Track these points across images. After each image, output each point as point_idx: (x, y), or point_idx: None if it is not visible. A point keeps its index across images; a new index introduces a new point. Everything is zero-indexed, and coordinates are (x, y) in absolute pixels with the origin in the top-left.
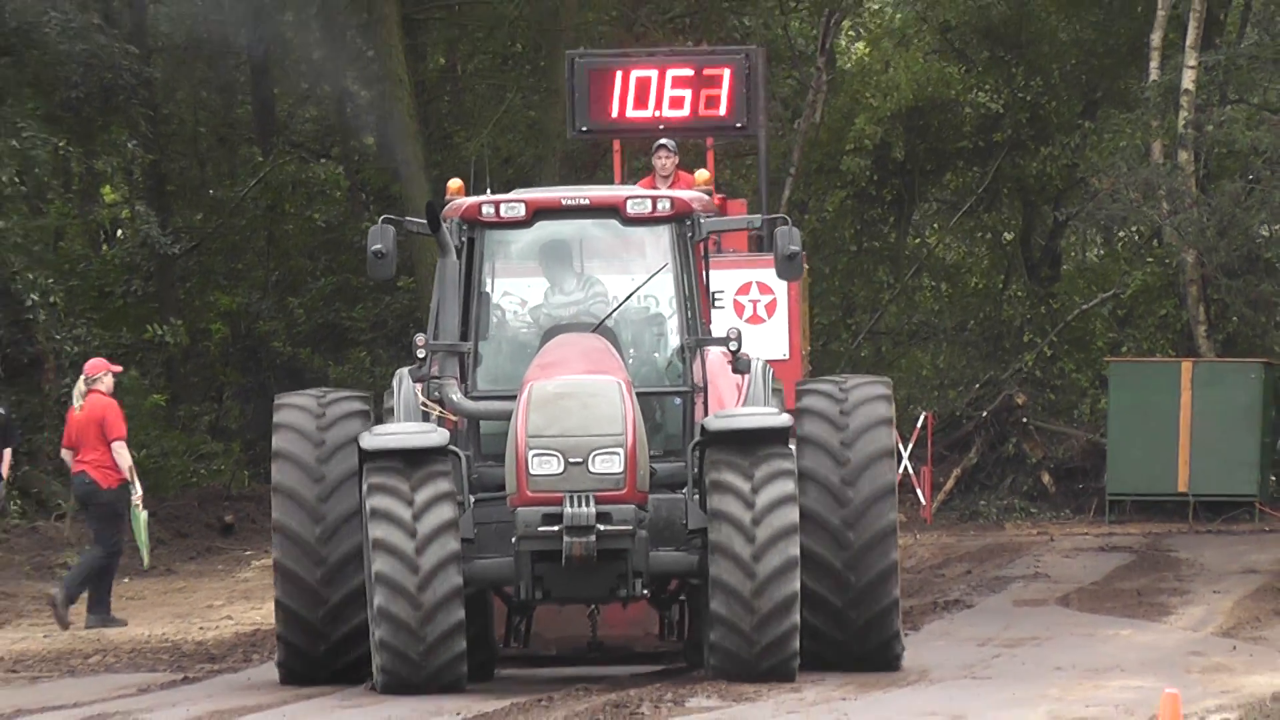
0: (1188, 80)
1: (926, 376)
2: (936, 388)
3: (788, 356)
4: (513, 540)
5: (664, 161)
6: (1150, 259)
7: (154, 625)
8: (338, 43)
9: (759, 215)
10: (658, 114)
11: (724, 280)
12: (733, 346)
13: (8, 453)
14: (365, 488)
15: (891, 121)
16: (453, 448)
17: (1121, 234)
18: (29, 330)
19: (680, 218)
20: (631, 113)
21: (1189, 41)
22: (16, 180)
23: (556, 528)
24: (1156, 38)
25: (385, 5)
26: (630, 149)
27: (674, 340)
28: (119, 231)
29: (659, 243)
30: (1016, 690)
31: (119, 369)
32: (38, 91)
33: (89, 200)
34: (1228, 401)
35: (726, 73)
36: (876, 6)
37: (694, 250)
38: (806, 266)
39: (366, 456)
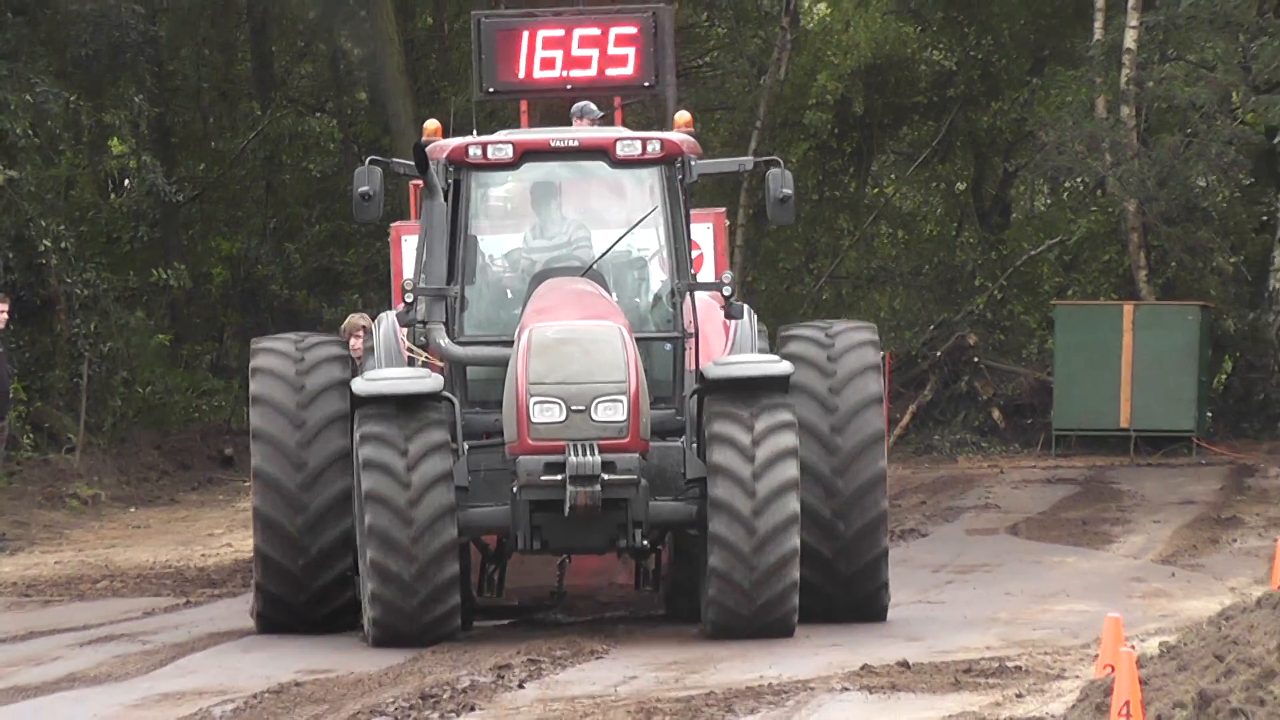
0: (1129, 39)
1: (884, 318)
2: (893, 329)
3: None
4: (513, 489)
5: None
6: (1094, 208)
7: (158, 552)
8: (332, 3)
9: (749, 158)
10: (565, 74)
11: (647, 238)
12: (726, 291)
13: None
14: (357, 437)
15: (851, 78)
16: (446, 394)
17: (1067, 184)
18: (42, 274)
19: (670, 160)
20: (539, 73)
21: (1130, 3)
22: (29, 132)
23: (560, 477)
24: (1099, 0)
25: None
26: (537, 109)
27: (656, 285)
28: (126, 181)
29: (648, 185)
30: (968, 613)
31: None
32: (49, 49)
33: (98, 151)
34: (1167, 342)
35: (634, 31)
36: None
37: (683, 193)
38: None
39: (359, 402)
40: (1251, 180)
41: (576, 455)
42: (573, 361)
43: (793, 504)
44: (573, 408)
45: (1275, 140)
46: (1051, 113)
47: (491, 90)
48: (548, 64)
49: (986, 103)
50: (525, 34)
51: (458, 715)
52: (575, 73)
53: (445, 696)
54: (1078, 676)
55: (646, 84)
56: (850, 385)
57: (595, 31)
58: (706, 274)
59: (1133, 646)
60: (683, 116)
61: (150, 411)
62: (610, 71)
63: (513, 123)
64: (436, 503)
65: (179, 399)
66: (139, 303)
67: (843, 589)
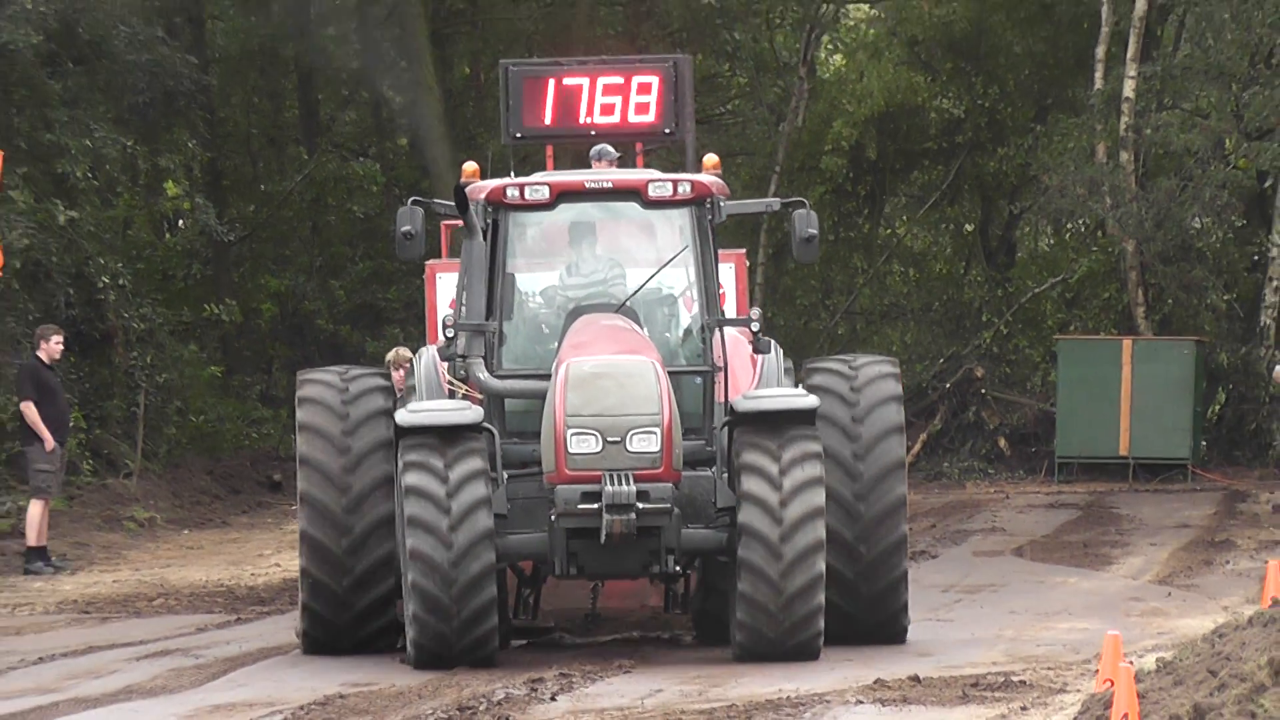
0: (1128, 89)
1: (896, 352)
2: (905, 362)
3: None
4: (551, 517)
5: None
6: (1095, 248)
7: (210, 572)
8: (374, 54)
9: (776, 199)
10: (589, 120)
11: (676, 276)
12: (754, 327)
13: (29, 408)
14: (400, 464)
15: (865, 125)
16: (486, 425)
17: (1069, 225)
18: (100, 309)
19: (700, 201)
20: (564, 120)
21: (1129, 54)
22: (89, 175)
23: (596, 505)
24: (1100, 51)
25: (416, 21)
26: (568, 154)
27: (685, 320)
28: (180, 221)
29: (679, 225)
30: (976, 630)
31: None
32: (107, 97)
33: (153, 193)
34: (1163, 375)
35: (655, 80)
36: (852, 23)
37: (712, 233)
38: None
39: (403, 432)
40: (1243, 222)
41: (612, 485)
42: (608, 395)
43: (818, 531)
44: (609, 439)
45: (1266, 184)
46: (1054, 158)
47: (519, 135)
48: (572, 111)
49: (993, 148)
50: (551, 82)
51: None
52: (599, 119)
53: (481, 708)
54: (1079, 690)
55: (667, 130)
56: (872, 415)
57: (618, 80)
58: (729, 312)
59: (1131, 662)
60: (711, 159)
61: (203, 439)
62: (633, 118)
63: (543, 167)
64: (476, 528)
65: (230, 427)
66: (192, 336)
67: (864, 610)
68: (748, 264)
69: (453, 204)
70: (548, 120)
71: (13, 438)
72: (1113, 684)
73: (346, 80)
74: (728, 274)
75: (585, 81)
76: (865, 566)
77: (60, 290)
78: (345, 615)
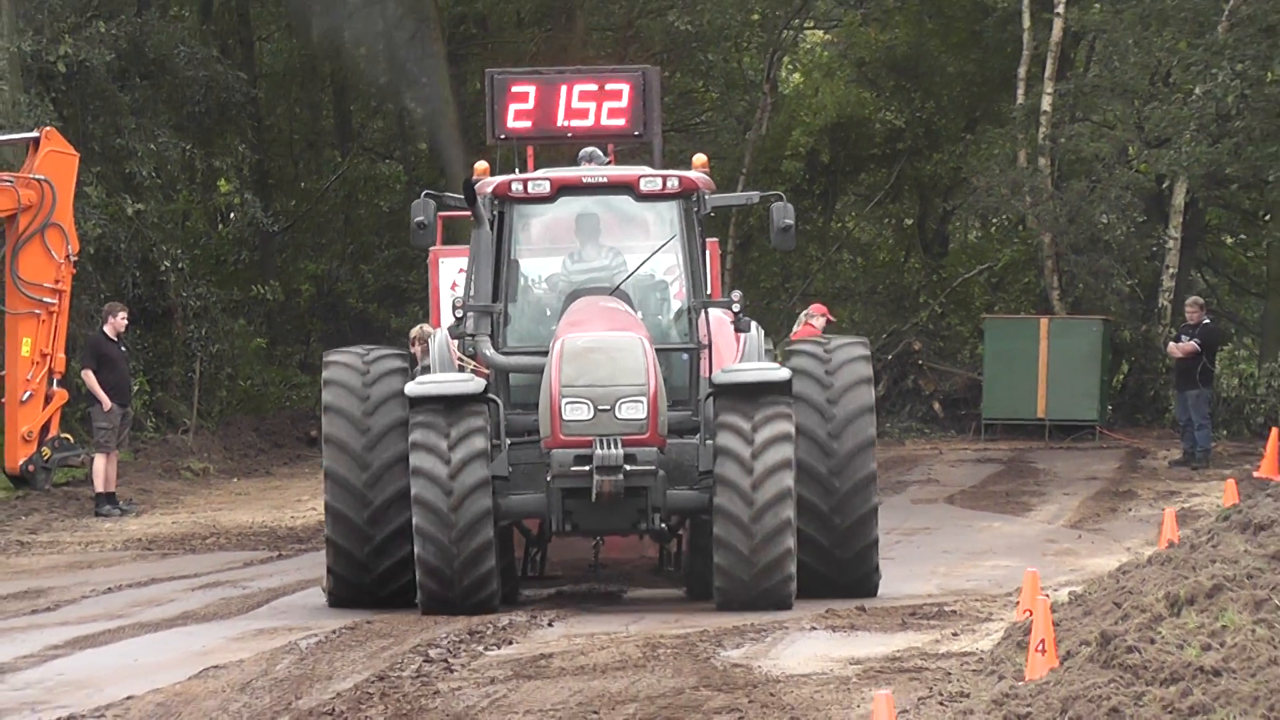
0: (1045, 103)
1: (845, 328)
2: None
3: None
4: (547, 478)
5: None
6: (1016, 240)
7: (256, 514)
8: (399, 72)
9: (756, 193)
10: (567, 124)
11: (668, 263)
12: (735, 308)
13: (90, 375)
14: (410, 427)
15: (819, 134)
16: (492, 396)
17: (994, 220)
18: (162, 289)
19: (687, 194)
20: (542, 123)
21: (1047, 74)
22: (153, 174)
23: (587, 467)
24: (1022, 71)
25: (435, 44)
26: (543, 154)
27: (676, 303)
28: (231, 214)
29: (668, 216)
30: (913, 568)
31: None
32: (169, 107)
33: (208, 190)
34: (1075, 349)
35: (626, 88)
36: (809, 46)
37: (698, 223)
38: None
39: (413, 402)
40: (1144, 218)
41: (602, 448)
42: (600, 367)
43: (786, 480)
44: (599, 407)
45: (1163, 185)
46: (982, 163)
47: (503, 136)
48: (550, 115)
49: (929, 154)
50: (531, 88)
51: (498, 647)
52: (575, 123)
53: (489, 633)
54: (1002, 619)
55: (636, 133)
56: (845, 397)
57: (593, 87)
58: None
59: (1047, 595)
60: (700, 159)
61: (249, 400)
62: (605, 122)
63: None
64: (473, 475)
65: (273, 390)
66: (241, 313)
67: (839, 573)
68: (719, 252)
69: (462, 197)
70: (529, 123)
71: (82, 400)
72: (1031, 614)
73: (375, 93)
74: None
75: (563, 88)
76: (840, 535)
77: (128, 273)
78: (366, 578)
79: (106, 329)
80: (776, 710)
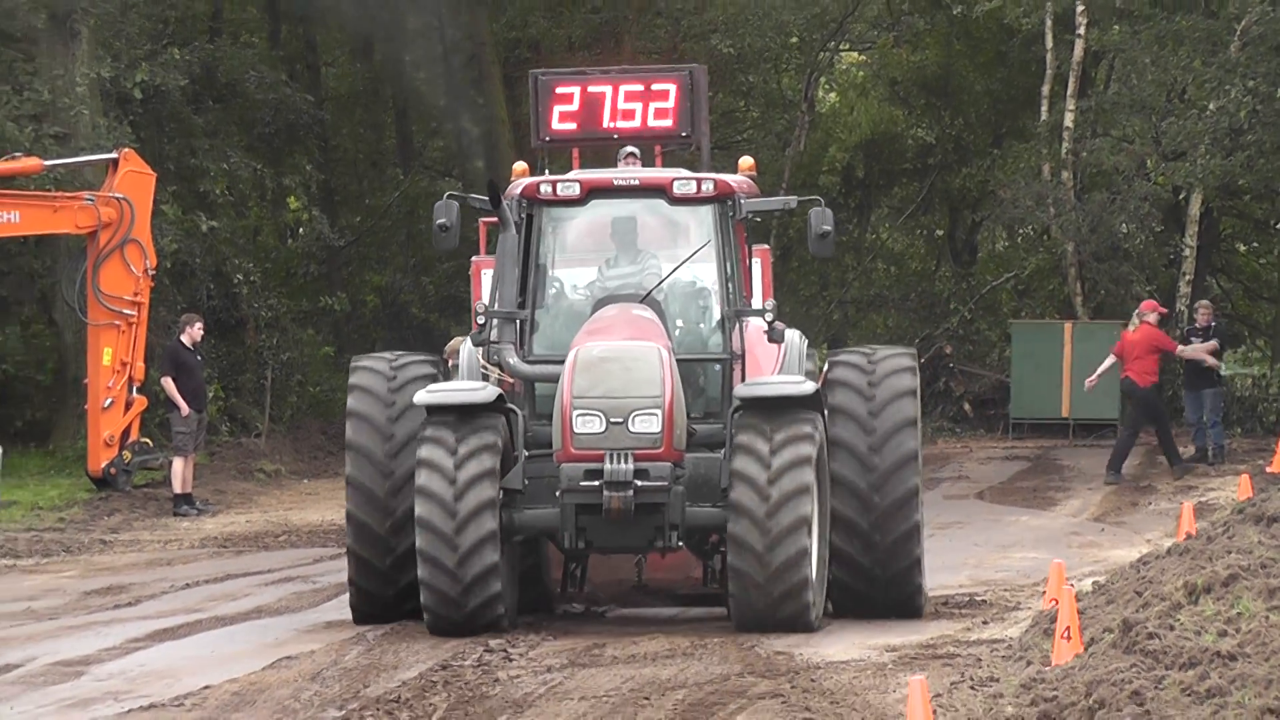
0: (1068, 120)
1: (879, 334)
2: (887, 342)
3: (805, 337)
4: (557, 493)
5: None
6: (1041, 249)
7: (325, 513)
8: (457, 93)
9: (794, 197)
10: (612, 125)
11: (708, 269)
12: (768, 318)
13: (168, 382)
14: (418, 440)
15: (854, 150)
16: (511, 406)
17: (1020, 230)
18: (235, 301)
19: (722, 198)
20: (588, 125)
21: (1069, 92)
22: (226, 192)
23: (597, 483)
24: (1045, 89)
25: (490, 66)
26: (588, 154)
27: (717, 311)
28: (300, 229)
29: (703, 221)
30: (946, 559)
31: (1164, 311)
32: (240, 128)
33: (278, 207)
34: (1097, 352)
35: (672, 88)
36: (844, 67)
37: (735, 228)
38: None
39: (428, 411)
40: (1162, 228)
41: (612, 463)
42: (613, 378)
43: (804, 507)
44: (612, 420)
45: (1180, 196)
46: (1008, 176)
47: (548, 139)
48: (596, 116)
49: (958, 168)
50: (577, 89)
51: (555, 638)
52: (621, 124)
53: (546, 624)
54: (1030, 608)
55: (684, 134)
56: (887, 409)
57: (639, 88)
58: (757, 302)
59: (1072, 585)
60: (746, 161)
61: (318, 406)
62: (652, 123)
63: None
64: (478, 497)
65: (340, 396)
66: (310, 322)
67: (880, 594)
68: (772, 259)
69: (486, 199)
70: (575, 125)
71: (161, 406)
72: (1057, 603)
73: (434, 115)
74: (755, 268)
75: (608, 89)
76: (881, 554)
77: (203, 285)
78: (389, 590)
79: (183, 339)
80: (817, 695)
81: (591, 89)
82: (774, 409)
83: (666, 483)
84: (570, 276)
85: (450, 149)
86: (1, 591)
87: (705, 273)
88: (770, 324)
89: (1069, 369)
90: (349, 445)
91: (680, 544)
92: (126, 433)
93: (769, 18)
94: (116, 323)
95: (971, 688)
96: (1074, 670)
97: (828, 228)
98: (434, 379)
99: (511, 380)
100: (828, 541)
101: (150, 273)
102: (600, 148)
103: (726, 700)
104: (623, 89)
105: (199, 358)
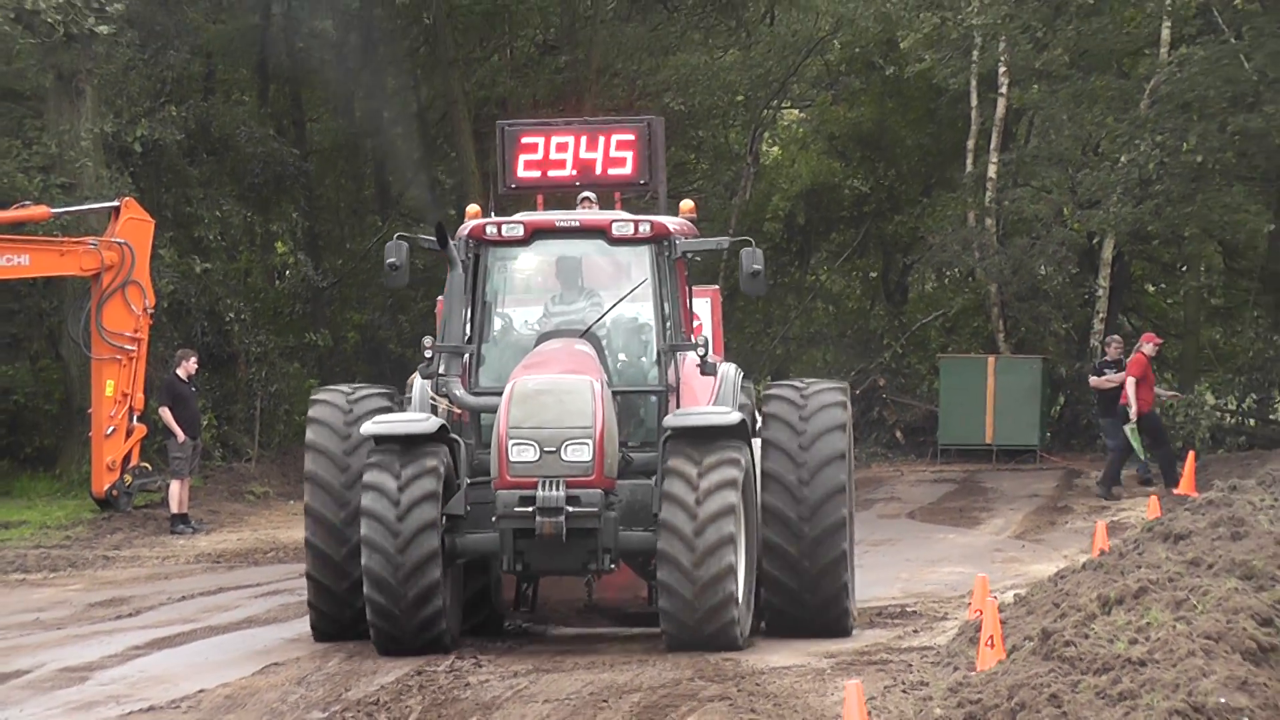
0: (991, 171)
1: (819, 367)
2: (825, 375)
3: (741, 370)
4: (493, 519)
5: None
6: (967, 289)
7: None
8: (430, 148)
9: (726, 238)
10: (574, 173)
11: (641, 306)
12: (700, 352)
13: (166, 412)
14: (365, 467)
15: (796, 199)
16: (454, 436)
17: (948, 273)
18: (228, 337)
19: (659, 239)
20: (552, 172)
21: (992, 146)
22: (218, 237)
23: (531, 508)
24: (970, 143)
25: (461, 122)
26: (551, 201)
27: (655, 345)
28: (286, 271)
29: (640, 260)
30: (879, 574)
31: (1159, 341)
32: (232, 178)
33: (267, 251)
34: (1018, 383)
35: (632, 137)
36: (786, 123)
37: (672, 267)
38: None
39: (373, 441)
40: (1077, 270)
41: (544, 490)
42: (547, 409)
43: (729, 526)
44: (545, 449)
45: (1094, 241)
46: (937, 222)
47: (514, 185)
48: (559, 164)
49: (891, 216)
50: (541, 139)
51: (520, 646)
52: (583, 171)
53: (513, 634)
54: (956, 618)
55: (642, 181)
56: (817, 444)
57: (599, 138)
58: (703, 338)
59: (995, 597)
60: (686, 204)
61: (304, 433)
62: (612, 171)
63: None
64: (421, 518)
65: None
66: (296, 357)
67: (809, 615)
68: (721, 299)
69: (434, 239)
70: (538, 173)
71: (159, 434)
72: (981, 613)
73: (410, 166)
74: (704, 307)
75: (571, 139)
76: (809, 580)
77: (197, 323)
78: (346, 612)
79: (179, 372)
80: (761, 698)
81: (555, 139)
82: (702, 438)
83: (597, 509)
84: (519, 313)
85: (424, 198)
86: (12, 603)
87: (644, 309)
88: (703, 358)
89: (992, 399)
90: (307, 476)
91: (613, 566)
92: (128, 458)
93: (717, 78)
94: (118, 357)
95: (903, 691)
96: (997, 675)
97: (758, 267)
98: (389, 409)
99: (459, 411)
100: (754, 565)
101: (149, 311)
102: (564, 193)
103: (679, 703)
104: (583, 139)
105: (194, 389)
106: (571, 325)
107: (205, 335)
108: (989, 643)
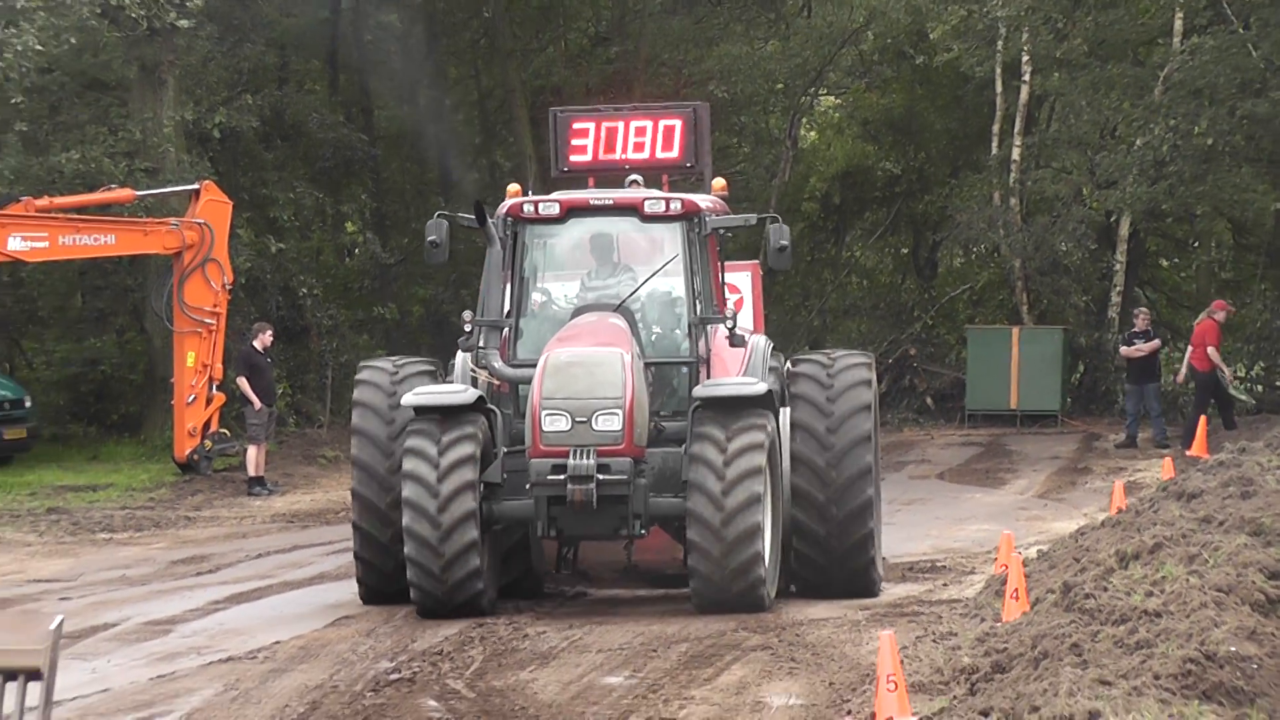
0: (1015, 154)
1: (853, 338)
2: (860, 345)
3: (770, 341)
4: (526, 486)
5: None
6: (992, 265)
7: None
8: (490, 134)
9: (754, 215)
10: (624, 157)
11: (675, 280)
12: (729, 324)
13: (243, 381)
14: (406, 434)
15: (832, 181)
16: (492, 406)
17: (974, 249)
18: (301, 311)
19: (689, 216)
20: (603, 155)
21: (1016, 130)
22: (292, 218)
23: (563, 476)
24: (995, 128)
25: (519, 110)
26: (602, 183)
27: (687, 319)
28: (355, 249)
29: (672, 236)
30: (911, 531)
31: (1232, 310)
32: (305, 162)
33: (337, 230)
34: (1040, 352)
35: (678, 123)
36: (823, 109)
37: (703, 243)
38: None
39: (414, 411)
40: (1095, 246)
41: (575, 459)
42: (578, 380)
43: (756, 486)
44: (577, 419)
45: (1111, 219)
46: (964, 202)
47: (566, 170)
48: (609, 148)
49: (921, 196)
50: (592, 125)
51: (575, 600)
52: (632, 155)
53: (569, 591)
54: (983, 573)
55: (689, 165)
56: (844, 396)
57: (648, 123)
58: (746, 312)
59: (1020, 553)
60: (718, 182)
61: None
62: (660, 154)
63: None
64: (459, 479)
65: None
66: (364, 329)
67: (835, 563)
68: (761, 273)
69: (474, 217)
70: (589, 156)
71: (237, 402)
72: (1007, 568)
73: (470, 150)
74: (745, 281)
75: (620, 124)
76: (835, 526)
77: (272, 298)
78: (390, 563)
79: (256, 344)
80: (801, 647)
81: (605, 124)
82: (729, 407)
83: (626, 476)
84: (557, 288)
85: (484, 180)
86: (100, 561)
87: (677, 284)
88: (731, 330)
89: (1016, 367)
90: (355, 429)
91: (644, 532)
92: (207, 424)
93: (758, 67)
94: (198, 330)
95: (934, 641)
96: (1021, 626)
97: (785, 242)
98: (433, 376)
99: (498, 382)
100: (779, 533)
101: (227, 287)
102: (614, 176)
103: (723, 652)
104: (633, 124)
105: (269, 360)
106: (606, 300)
107: (280, 309)
108: (1014, 595)
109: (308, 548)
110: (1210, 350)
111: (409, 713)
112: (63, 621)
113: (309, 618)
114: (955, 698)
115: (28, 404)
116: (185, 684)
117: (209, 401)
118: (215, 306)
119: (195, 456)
